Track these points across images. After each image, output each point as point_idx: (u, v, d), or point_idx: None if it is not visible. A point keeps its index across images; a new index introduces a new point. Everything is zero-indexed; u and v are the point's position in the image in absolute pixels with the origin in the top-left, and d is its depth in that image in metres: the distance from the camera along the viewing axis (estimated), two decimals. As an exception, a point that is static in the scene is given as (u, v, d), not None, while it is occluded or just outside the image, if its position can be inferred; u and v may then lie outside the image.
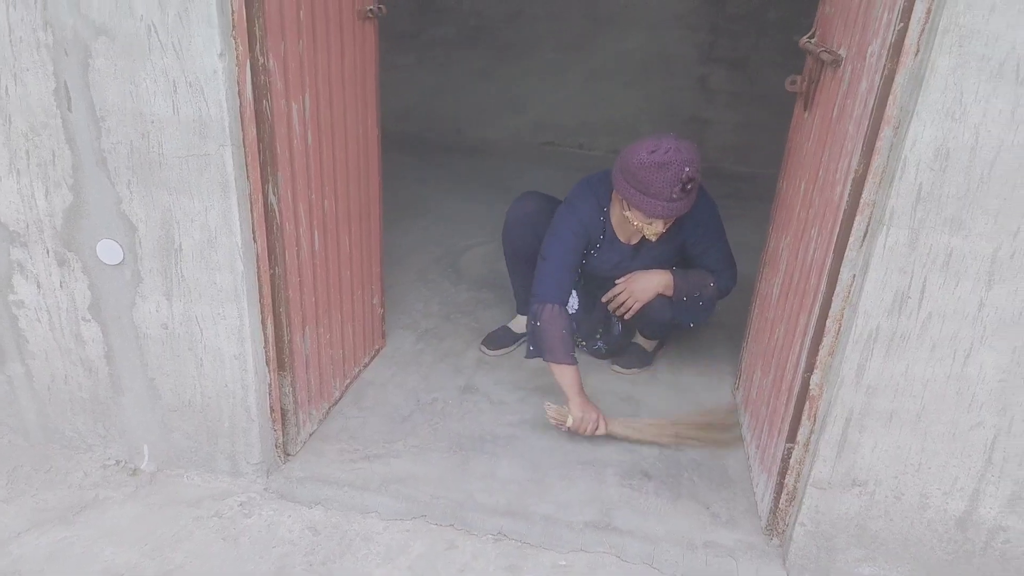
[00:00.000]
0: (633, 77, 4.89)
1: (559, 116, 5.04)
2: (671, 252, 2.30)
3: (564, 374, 2.13)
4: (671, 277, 2.26)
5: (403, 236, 3.48)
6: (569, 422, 2.09)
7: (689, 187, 1.99)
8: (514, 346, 2.61)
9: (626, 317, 2.34)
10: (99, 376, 1.90)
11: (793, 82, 1.97)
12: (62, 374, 1.92)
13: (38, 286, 1.81)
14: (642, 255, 2.30)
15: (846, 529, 1.70)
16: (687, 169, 1.96)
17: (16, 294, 1.83)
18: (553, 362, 2.14)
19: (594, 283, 2.46)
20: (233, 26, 1.49)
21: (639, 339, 2.56)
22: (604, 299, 2.36)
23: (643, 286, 2.27)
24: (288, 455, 2.00)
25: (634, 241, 2.28)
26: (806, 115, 1.93)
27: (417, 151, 4.73)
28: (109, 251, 1.72)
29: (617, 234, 2.28)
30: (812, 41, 1.89)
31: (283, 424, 1.95)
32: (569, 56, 4.92)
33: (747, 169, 4.85)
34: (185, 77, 1.51)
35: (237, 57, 1.52)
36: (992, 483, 1.59)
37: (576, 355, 2.18)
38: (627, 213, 2.10)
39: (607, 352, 2.56)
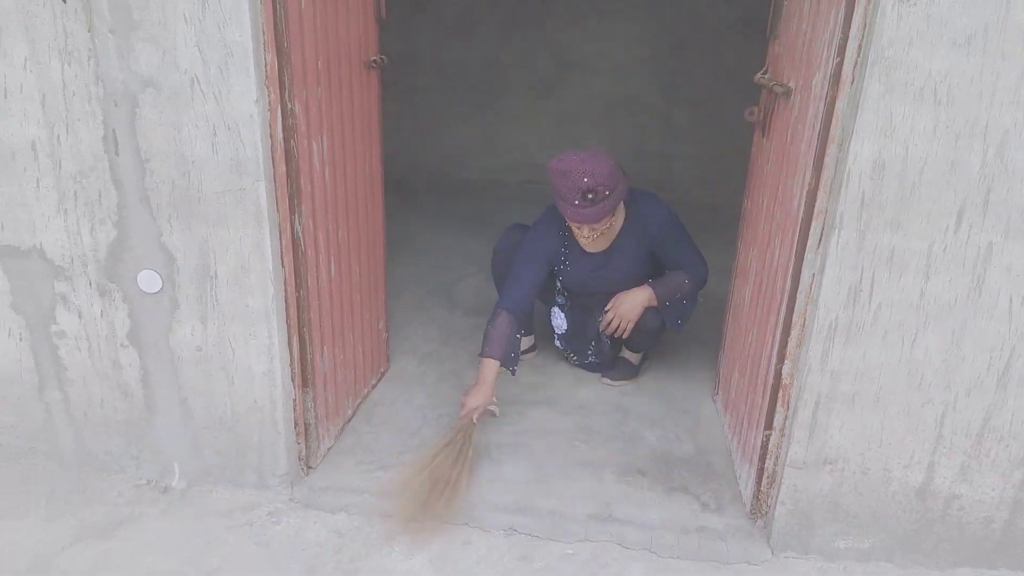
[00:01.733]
0: (601, 118, 5.20)
1: (534, 156, 5.32)
2: (640, 257, 2.52)
3: (486, 365, 2.31)
4: (650, 290, 2.48)
5: (397, 270, 3.66)
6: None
7: (591, 196, 2.19)
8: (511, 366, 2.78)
9: (624, 336, 2.54)
10: (135, 399, 2.05)
11: (752, 113, 2.23)
12: (99, 398, 2.07)
13: (79, 316, 1.97)
14: (614, 261, 2.52)
15: (822, 506, 1.90)
16: (585, 180, 2.16)
17: (58, 324, 1.99)
18: (483, 355, 2.32)
19: (580, 301, 2.68)
20: (267, 76, 1.71)
21: (626, 353, 2.76)
22: (601, 328, 2.56)
23: (629, 306, 2.48)
24: (310, 467, 2.16)
25: (598, 250, 2.50)
26: (764, 141, 2.19)
27: (403, 193, 4.94)
28: (149, 281, 1.89)
29: (583, 246, 2.49)
30: (766, 76, 2.16)
31: (306, 438, 2.11)
32: (540, 100, 5.22)
33: (712, 199, 5.13)
34: (224, 122, 1.72)
35: (269, 103, 1.73)
36: (944, 455, 1.81)
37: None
38: None
39: (597, 365, 2.76)
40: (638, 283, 2.52)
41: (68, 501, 2.07)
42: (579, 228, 2.37)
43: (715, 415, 2.56)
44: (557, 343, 2.81)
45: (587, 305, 2.66)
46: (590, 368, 2.78)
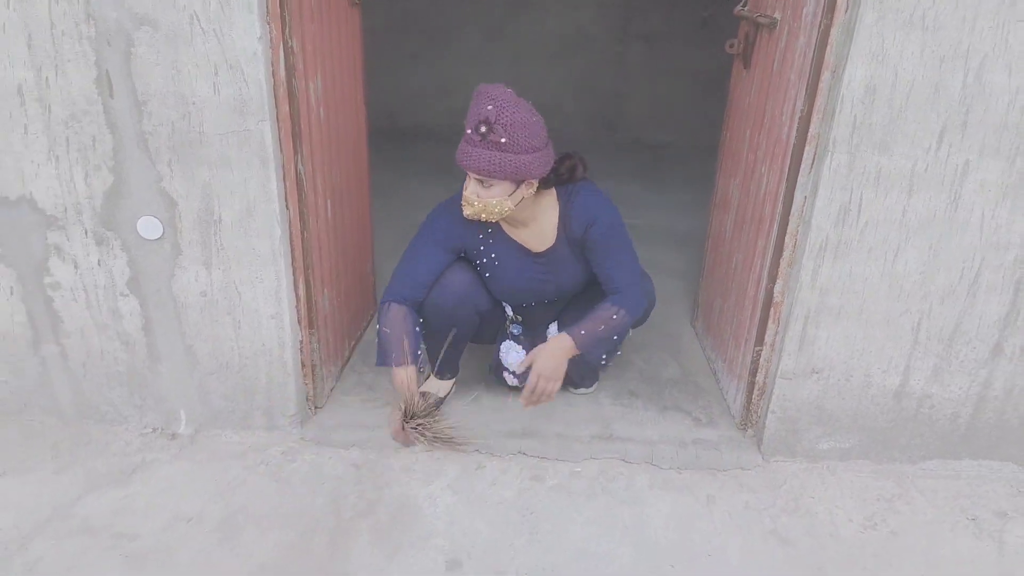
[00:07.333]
0: (554, 57, 5.20)
1: (488, 97, 5.30)
2: (583, 262, 2.08)
3: (398, 376, 1.98)
4: (569, 339, 1.96)
5: (365, 215, 3.66)
6: (402, 405, 2.04)
7: (484, 130, 1.74)
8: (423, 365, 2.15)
9: (552, 399, 2.03)
10: (136, 348, 2.03)
11: (731, 45, 2.30)
12: (98, 349, 2.04)
13: (75, 267, 1.93)
14: (552, 267, 2.08)
15: (808, 412, 2.05)
16: (489, 107, 1.73)
17: (52, 276, 1.94)
18: (391, 364, 1.98)
19: (530, 320, 2.26)
20: (268, 11, 1.68)
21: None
22: (523, 400, 2.01)
23: (551, 366, 1.96)
24: (317, 407, 2.20)
25: (533, 244, 2.05)
26: (745, 73, 2.27)
27: (356, 138, 4.90)
28: (149, 227, 1.86)
29: (465, 213, 1.92)
30: (746, 9, 2.23)
31: (313, 378, 2.14)
32: (493, 40, 5.18)
33: (665, 137, 5.26)
34: (226, 60, 1.68)
35: (271, 40, 1.71)
36: (919, 359, 1.98)
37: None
38: None
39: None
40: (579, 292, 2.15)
41: (74, 453, 2.05)
42: (467, 187, 1.87)
43: (695, 339, 2.70)
44: (512, 380, 2.25)
45: (534, 323, 2.25)
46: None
